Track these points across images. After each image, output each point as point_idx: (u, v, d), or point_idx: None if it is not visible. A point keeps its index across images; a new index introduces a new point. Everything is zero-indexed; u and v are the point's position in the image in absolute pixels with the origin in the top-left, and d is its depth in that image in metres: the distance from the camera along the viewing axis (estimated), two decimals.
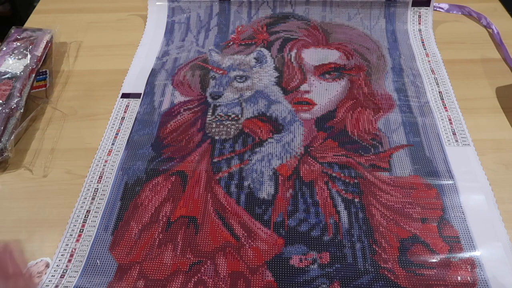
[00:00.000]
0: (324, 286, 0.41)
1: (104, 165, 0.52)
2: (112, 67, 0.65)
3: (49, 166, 0.52)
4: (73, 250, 0.44)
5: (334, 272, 0.42)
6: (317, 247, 0.43)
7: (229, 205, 0.47)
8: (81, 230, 0.46)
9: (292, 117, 0.56)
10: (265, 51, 0.66)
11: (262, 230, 0.45)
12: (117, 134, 0.55)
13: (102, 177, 0.50)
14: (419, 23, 0.69)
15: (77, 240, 0.45)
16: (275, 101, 0.58)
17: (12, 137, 0.52)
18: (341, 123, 0.55)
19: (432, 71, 0.62)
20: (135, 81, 0.62)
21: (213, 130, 0.55)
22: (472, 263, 0.42)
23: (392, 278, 0.41)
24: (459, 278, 0.41)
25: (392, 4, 0.69)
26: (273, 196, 0.48)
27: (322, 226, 0.45)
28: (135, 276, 0.42)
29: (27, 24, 0.73)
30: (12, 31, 0.65)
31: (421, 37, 0.67)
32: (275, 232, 0.45)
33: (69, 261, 0.43)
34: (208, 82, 0.61)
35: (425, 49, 0.65)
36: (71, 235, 0.45)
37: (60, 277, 0.42)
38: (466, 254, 0.42)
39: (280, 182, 0.49)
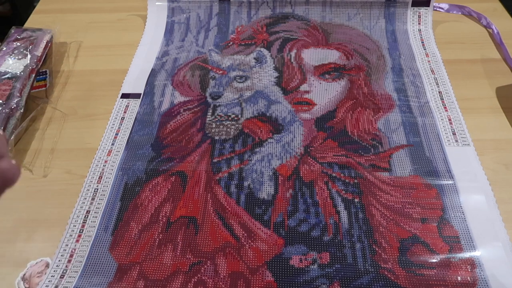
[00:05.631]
0: (324, 286, 0.41)
1: (104, 165, 0.52)
2: (112, 67, 0.65)
3: (49, 166, 0.52)
4: (73, 251, 0.44)
5: (334, 272, 0.42)
6: (317, 247, 0.43)
7: (229, 205, 0.47)
8: (81, 231, 0.46)
9: (292, 117, 0.56)
10: (265, 51, 0.66)
11: (262, 230, 0.45)
12: (117, 134, 0.55)
13: (102, 177, 0.50)
14: (419, 23, 0.69)
15: (77, 241, 0.45)
16: (275, 101, 0.58)
17: (12, 137, 0.52)
18: (341, 123, 0.55)
19: (432, 71, 0.62)
20: (135, 81, 0.62)
21: (213, 130, 0.55)
22: (472, 263, 0.42)
23: (392, 278, 0.41)
24: (459, 278, 0.41)
25: (392, 4, 0.69)
26: (273, 196, 0.48)
27: (322, 226, 0.45)
28: (135, 277, 0.42)
29: (27, 24, 0.73)
30: (12, 31, 0.65)
31: (421, 37, 0.67)
32: (275, 232, 0.45)
33: (69, 261, 0.43)
34: (208, 82, 0.61)
35: (425, 49, 0.65)
36: (70, 235, 0.45)
37: (60, 277, 0.42)
38: (466, 254, 0.42)
39: (280, 182, 0.49)
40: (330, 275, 0.41)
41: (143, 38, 0.70)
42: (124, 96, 0.60)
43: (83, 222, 0.46)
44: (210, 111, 0.57)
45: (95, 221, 0.47)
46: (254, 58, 0.65)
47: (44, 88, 0.62)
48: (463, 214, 0.45)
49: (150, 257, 0.43)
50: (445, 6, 0.73)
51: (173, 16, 0.72)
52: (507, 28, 0.68)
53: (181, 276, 0.42)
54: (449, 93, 0.58)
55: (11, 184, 0.26)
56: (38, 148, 0.55)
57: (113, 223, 0.46)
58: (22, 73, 0.58)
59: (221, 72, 0.63)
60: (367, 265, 0.42)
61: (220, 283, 0.41)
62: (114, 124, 0.57)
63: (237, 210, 0.47)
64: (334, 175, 0.49)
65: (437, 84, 0.60)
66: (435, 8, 0.72)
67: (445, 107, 0.56)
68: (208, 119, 0.56)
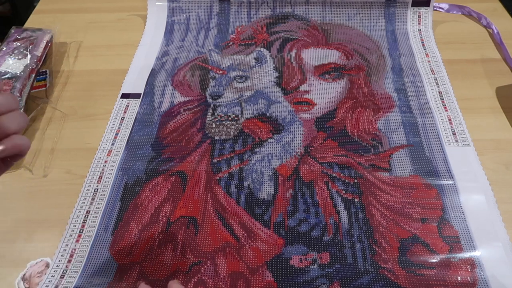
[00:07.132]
0: (324, 286, 0.41)
1: (104, 165, 0.52)
2: (112, 67, 0.65)
3: (49, 166, 0.52)
4: (73, 251, 0.44)
5: (334, 272, 0.42)
6: (317, 247, 0.43)
7: (229, 205, 0.47)
8: (81, 231, 0.46)
9: (292, 117, 0.56)
10: (265, 51, 0.66)
11: (262, 230, 0.45)
12: (117, 134, 0.55)
13: (102, 177, 0.50)
14: (419, 23, 0.69)
15: (77, 241, 0.45)
16: (275, 101, 0.58)
17: None
18: (341, 123, 0.55)
19: (432, 71, 0.62)
20: (135, 81, 0.62)
21: (213, 130, 0.55)
22: (472, 263, 0.42)
23: (392, 278, 0.41)
24: (459, 278, 0.41)
25: (392, 4, 0.69)
26: (273, 196, 0.48)
27: (322, 226, 0.45)
28: (135, 277, 0.42)
29: (27, 24, 0.73)
30: (12, 31, 0.65)
31: (421, 37, 0.67)
32: (275, 232, 0.45)
33: (69, 261, 0.43)
34: (208, 82, 0.61)
35: (425, 49, 0.65)
36: (70, 235, 0.45)
37: (60, 277, 0.42)
38: (466, 254, 0.42)
39: (280, 182, 0.49)
40: (330, 275, 0.41)
41: (143, 38, 0.70)
42: (124, 96, 0.60)
43: (83, 222, 0.46)
44: (210, 111, 0.57)
45: (95, 221, 0.47)
46: (254, 58, 0.65)
47: (44, 88, 0.62)
48: (463, 214, 0.45)
49: (150, 257, 0.43)
50: (445, 6, 0.73)
51: (173, 16, 0.72)
52: (507, 28, 0.68)
53: (181, 276, 0.42)
54: (449, 93, 0.58)
55: (22, 157, 0.29)
56: (38, 148, 0.55)
57: (113, 223, 0.46)
58: (22, 73, 0.58)
59: (221, 72, 0.63)
60: (367, 265, 0.42)
61: (220, 283, 0.41)
62: (114, 124, 0.57)
63: (237, 210, 0.47)
64: (334, 175, 0.49)
65: (437, 84, 0.60)
66: (435, 8, 0.72)
67: (445, 107, 0.56)
68: (208, 119, 0.56)
